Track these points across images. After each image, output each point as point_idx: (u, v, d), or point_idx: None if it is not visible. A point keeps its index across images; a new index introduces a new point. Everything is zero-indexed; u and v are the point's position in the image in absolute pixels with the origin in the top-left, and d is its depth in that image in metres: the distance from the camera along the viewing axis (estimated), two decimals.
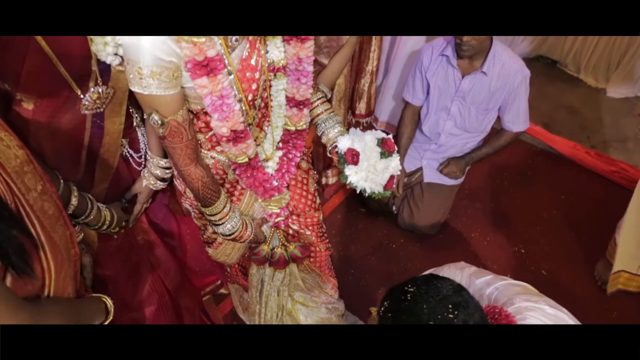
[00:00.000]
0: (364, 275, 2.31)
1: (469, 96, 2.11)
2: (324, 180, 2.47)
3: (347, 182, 1.27)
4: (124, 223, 1.46)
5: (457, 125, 2.24)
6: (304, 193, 1.47)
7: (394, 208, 2.51)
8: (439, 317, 0.93)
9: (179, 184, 1.45)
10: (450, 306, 0.94)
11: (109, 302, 1.19)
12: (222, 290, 2.23)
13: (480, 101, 2.12)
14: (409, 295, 0.98)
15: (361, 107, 2.31)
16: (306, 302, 1.76)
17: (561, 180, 2.73)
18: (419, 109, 2.29)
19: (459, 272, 1.51)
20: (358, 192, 1.30)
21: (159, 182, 1.44)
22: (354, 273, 2.32)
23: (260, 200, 1.32)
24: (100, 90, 1.12)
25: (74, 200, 1.20)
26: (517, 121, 2.16)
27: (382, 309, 1.03)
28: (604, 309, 2.17)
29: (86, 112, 1.13)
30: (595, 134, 3.03)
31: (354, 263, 2.36)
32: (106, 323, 1.19)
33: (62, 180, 1.17)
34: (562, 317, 1.21)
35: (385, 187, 1.29)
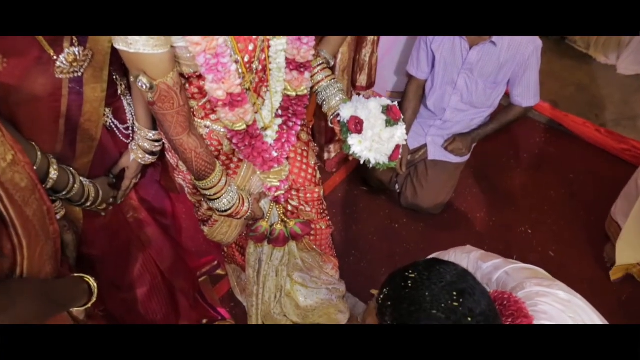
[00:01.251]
0: (365, 256, 2.24)
1: (476, 68, 2.01)
2: (325, 156, 2.37)
3: (351, 152, 1.18)
4: (111, 200, 1.38)
5: (463, 99, 2.14)
6: (304, 167, 1.38)
7: (396, 187, 2.43)
8: (443, 305, 0.86)
9: (170, 157, 1.35)
10: (454, 293, 0.87)
11: (92, 282, 1.11)
12: (219, 271, 2.16)
13: (489, 74, 2.02)
14: (409, 282, 0.90)
15: (362, 79, 2.21)
16: (305, 282, 1.68)
17: (570, 158, 2.64)
18: (423, 82, 2.19)
19: (465, 256, 1.43)
20: (362, 162, 1.21)
21: (147, 155, 1.35)
22: (355, 254, 2.25)
23: (258, 172, 1.23)
24: (76, 51, 1.02)
25: (53, 174, 1.11)
26: (527, 95, 2.07)
27: (382, 296, 0.95)
28: (614, 291, 2.10)
29: (62, 76, 1.03)
30: (604, 111, 2.93)
31: (355, 243, 2.30)
32: (89, 305, 1.11)
33: (39, 152, 1.08)
34: (576, 303, 1.13)
35: (391, 158, 1.21)
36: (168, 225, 1.70)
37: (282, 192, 1.28)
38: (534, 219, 2.38)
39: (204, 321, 1.96)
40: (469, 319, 0.85)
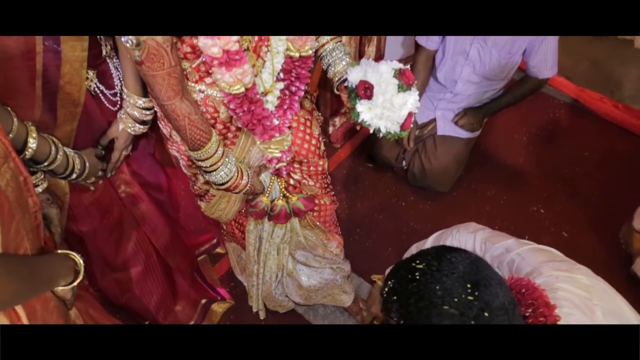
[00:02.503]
0: (370, 235, 2.16)
1: (490, 38, 1.89)
2: (330, 129, 2.27)
3: (359, 120, 1.08)
4: (100, 173, 1.28)
5: (475, 71, 2.02)
6: (307, 137, 1.27)
7: (403, 163, 2.34)
8: (456, 299, 0.76)
9: (163, 126, 1.25)
10: (468, 285, 0.77)
11: (77, 259, 1.02)
12: (219, 250, 2.10)
13: (504, 43, 1.89)
14: (417, 273, 0.80)
15: (370, 51, 2.09)
16: (308, 261, 1.59)
17: (585, 135, 2.54)
18: (433, 53, 2.07)
19: (470, 237, 1.32)
20: (371, 132, 1.11)
21: (138, 125, 1.25)
22: (360, 232, 2.17)
23: (258, 142, 1.12)
24: None
25: (32, 142, 1.01)
26: (545, 66, 1.95)
27: (386, 289, 0.85)
28: (630, 274, 2.01)
29: None
30: (621, 88, 2.80)
31: (360, 222, 2.21)
32: (75, 283, 1.02)
33: (15, 119, 0.98)
34: (601, 287, 1.04)
35: (403, 127, 1.11)
36: (163, 201, 1.61)
37: (284, 164, 1.18)
38: (546, 198, 2.29)
39: (203, 301, 1.88)
40: (486, 313, 0.76)
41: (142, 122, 1.26)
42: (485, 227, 1.35)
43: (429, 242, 1.48)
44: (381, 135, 1.14)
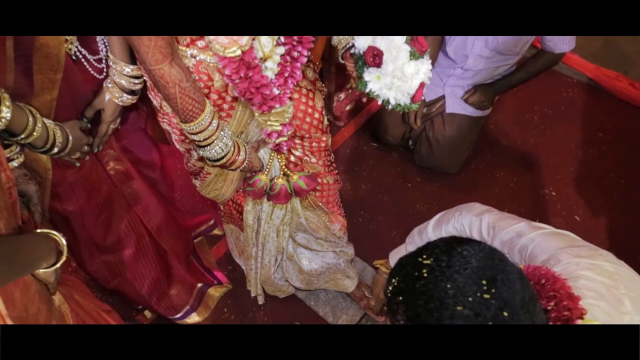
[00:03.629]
0: (374, 217, 2.08)
1: None
2: (334, 105, 2.16)
3: (367, 90, 0.98)
4: (86, 148, 1.19)
5: (488, 45, 1.91)
6: (309, 110, 1.17)
7: (410, 143, 2.26)
8: (470, 298, 0.67)
9: (153, 96, 1.15)
10: (484, 282, 0.68)
11: (60, 239, 0.94)
12: (216, 231, 2.01)
13: None
14: (425, 270, 0.72)
15: None
16: (310, 244, 1.50)
17: (599, 115, 2.44)
18: None
19: (475, 221, 1.22)
20: (380, 103, 1.01)
21: (126, 95, 1.15)
22: (364, 214, 2.09)
23: (256, 114, 1.02)
24: None
25: (6, 112, 0.92)
26: (561, 40, 1.83)
27: (390, 288, 0.77)
28: None
29: None
30: (634, 68, 2.68)
31: (364, 203, 2.12)
32: (58, 265, 0.95)
33: None
34: (626, 275, 0.95)
35: (414, 99, 1.01)
36: (156, 180, 1.52)
37: (285, 138, 1.08)
38: (558, 181, 2.20)
39: (199, 285, 1.80)
40: (505, 313, 0.67)
41: (131, 92, 1.15)
42: (491, 209, 1.25)
43: (430, 226, 1.39)
44: (390, 107, 1.04)
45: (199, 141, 1.02)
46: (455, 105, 2.09)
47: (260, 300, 1.77)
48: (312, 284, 1.67)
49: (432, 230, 1.36)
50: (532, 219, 1.16)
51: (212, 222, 1.98)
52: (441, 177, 2.20)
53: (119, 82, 1.12)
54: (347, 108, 2.31)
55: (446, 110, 2.10)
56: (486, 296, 0.67)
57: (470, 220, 1.25)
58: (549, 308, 0.84)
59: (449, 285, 0.68)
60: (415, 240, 1.43)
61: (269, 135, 1.06)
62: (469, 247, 0.73)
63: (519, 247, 1.11)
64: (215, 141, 1.03)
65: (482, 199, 2.13)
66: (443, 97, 2.10)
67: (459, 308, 0.67)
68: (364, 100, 1.16)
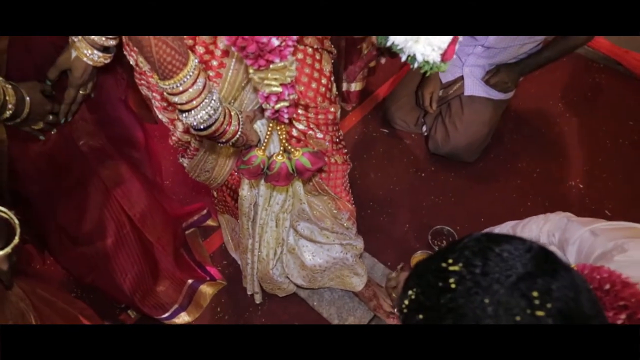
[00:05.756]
0: (385, 209, 1.91)
1: None
2: (345, 87, 1.96)
3: (389, 44, 0.79)
4: (50, 117, 1.00)
5: None
6: (315, 74, 0.98)
7: (424, 128, 2.11)
8: (518, 317, 0.50)
9: (128, 53, 0.97)
10: (534, 294, 0.51)
11: (11, 216, 0.80)
12: (210, 222, 1.84)
13: None
14: (452, 279, 0.54)
15: None
16: (314, 235, 1.30)
17: (630, 103, 2.26)
18: None
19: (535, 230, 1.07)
20: (403, 60, 0.82)
21: (97, 52, 0.97)
22: (373, 206, 1.91)
23: (251, 71, 0.83)
24: None
25: None
26: None
27: (407, 302, 0.59)
28: None
29: None
30: None
31: (373, 194, 1.95)
32: (8, 249, 0.80)
33: None
34: None
35: (444, 57, 0.82)
36: (139, 160, 1.34)
37: (286, 103, 0.88)
38: (586, 172, 2.03)
39: (190, 282, 1.62)
40: None
41: (103, 49, 0.97)
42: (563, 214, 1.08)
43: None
44: (416, 65, 0.85)
45: (181, 104, 0.83)
46: (475, 87, 1.92)
47: (258, 299, 1.60)
48: (315, 282, 1.48)
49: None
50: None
51: (205, 211, 1.80)
52: (458, 167, 2.03)
53: (87, 37, 0.93)
54: (359, 81, 2.09)
55: (465, 93, 1.94)
56: (539, 313, 0.50)
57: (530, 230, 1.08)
58: (619, 322, 0.66)
59: (486, 300, 0.51)
60: None
61: (267, 98, 0.86)
62: (509, 246, 0.55)
63: (576, 245, 0.94)
64: (202, 104, 0.84)
65: (502, 190, 1.97)
66: (461, 78, 1.95)
67: None
68: (383, 61, 0.97)
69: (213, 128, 0.88)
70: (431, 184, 1.98)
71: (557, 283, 0.52)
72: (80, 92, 1.03)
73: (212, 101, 0.85)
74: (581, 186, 1.99)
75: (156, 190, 1.45)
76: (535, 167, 2.04)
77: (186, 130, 1.05)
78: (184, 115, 0.86)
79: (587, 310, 0.52)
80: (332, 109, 1.05)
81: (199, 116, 0.85)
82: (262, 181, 1.14)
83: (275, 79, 0.84)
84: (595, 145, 2.11)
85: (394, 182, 1.98)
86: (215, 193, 1.45)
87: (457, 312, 0.52)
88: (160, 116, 1.06)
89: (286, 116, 0.91)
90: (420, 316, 0.56)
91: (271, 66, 0.82)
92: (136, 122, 1.31)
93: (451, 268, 0.55)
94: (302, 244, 1.34)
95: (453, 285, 0.53)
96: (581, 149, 2.10)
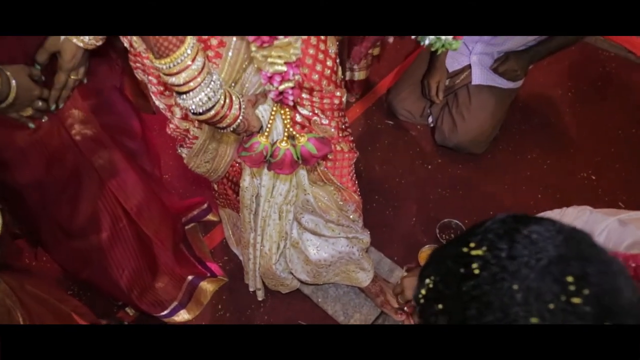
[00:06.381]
0: (390, 203, 1.86)
1: None
2: (348, 76, 1.90)
3: None
4: (40, 103, 0.94)
5: None
6: (321, 55, 0.92)
7: (430, 119, 2.04)
8: (551, 305, 0.45)
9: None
10: (569, 279, 0.45)
11: None
12: (211, 217, 1.79)
13: None
14: (475, 264, 0.49)
15: None
16: (318, 229, 1.25)
17: None
18: None
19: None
20: (413, 37, 0.76)
21: None
22: (379, 199, 1.86)
23: (253, 48, 0.77)
24: None
25: None
26: None
27: (423, 292, 0.54)
28: None
29: None
30: None
31: (378, 187, 1.90)
32: None
33: None
34: None
35: None
36: (135, 151, 1.28)
37: (291, 84, 0.82)
38: (598, 163, 1.97)
39: (190, 278, 1.57)
40: (607, 324, 0.45)
41: None
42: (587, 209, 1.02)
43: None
44: (426, 43, 0.79)
45: (179, 85, 0.77)
46: (483, 76, 1.87)
47: (260, 295, 1.55)
48: (320, 277, 1.42)
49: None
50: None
51: (205, 205, 1.75)
52: (465, 159, 1.97)
53: None
54: (366, 61, 2.00)
55: (472, 82, 1.88)
56: (575, 300, 0.44)
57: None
58: None
59: (515, 287, 0.46)
60: None
61: (270, 79, 0.80)
62: (539, 227, 0.49)
63: (604, 233, 0.89)
64: (201, 86, 0.78)
65: (512, 182, 1.91)
66: (468, 67, 1.89)
67: (534, 320, 0.45)
68: (390, 40, 0.91)
69: (213, 112, 0.82)
70: (438, 176, 1.92)
71: (593, 267, 0.46)
72: (72, 77, 0.97)
73: (212, 82, 0.80)
74: (593, 177, 1.93)
75: (154, 183, 1.39)
76: (545, 159, 1.98)
77: (184, 117, 0.99)
78: (181, 97, 0.80)
79: (628, 297, 0.47)
80: (338, 93, 0.99)
81: (197, 98, 0.79)
82: (265, 170, 1.08)
83: (280, 57, 0.78)
84: (607, 136, 2.04)
85: (400, 174, 1.93)
86: (215, 186, 1.40)
87: (482, 300, 0.47)
88: (157, 103, 1.00)
89: (291, 98, 0.86)
90: (440, 306, 0.51)
91: (275, 42, 0.76)
92: (132, 110, 1.25)
93: (474, 252, 0.50)
94: (307, 237, 1.28)
95: (476, 271, 0.48)
96: (592, 139, 2.03)
